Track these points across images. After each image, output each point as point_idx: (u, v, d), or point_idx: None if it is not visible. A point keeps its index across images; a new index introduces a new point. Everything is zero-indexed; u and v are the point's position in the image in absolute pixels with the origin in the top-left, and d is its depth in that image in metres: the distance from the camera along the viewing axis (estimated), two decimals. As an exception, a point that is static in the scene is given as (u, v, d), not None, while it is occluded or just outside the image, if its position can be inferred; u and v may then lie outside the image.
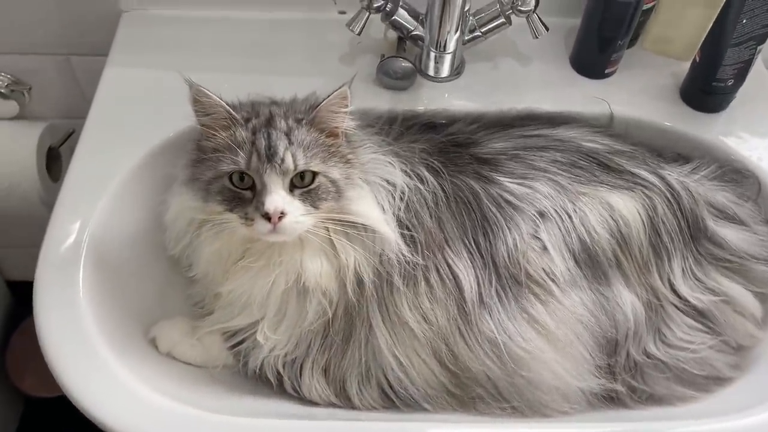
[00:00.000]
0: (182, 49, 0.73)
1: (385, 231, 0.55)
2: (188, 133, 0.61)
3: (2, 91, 0.85)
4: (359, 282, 0.56)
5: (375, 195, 0.57)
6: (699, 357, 0.57)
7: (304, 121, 0.54)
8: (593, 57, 0.71)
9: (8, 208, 0.88)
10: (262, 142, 0.52)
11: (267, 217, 0.51)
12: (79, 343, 0.53)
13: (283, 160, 0.52)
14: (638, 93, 0.71)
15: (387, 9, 0.66)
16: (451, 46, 0.56)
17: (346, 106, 0.54)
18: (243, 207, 0.53)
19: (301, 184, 0.53)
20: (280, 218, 0.51)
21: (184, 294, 0.65)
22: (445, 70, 0.58)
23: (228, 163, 0.53)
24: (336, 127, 0.55)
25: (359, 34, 0.67)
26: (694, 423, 0.53)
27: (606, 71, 0.71)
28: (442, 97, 0.70)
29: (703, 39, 0.68)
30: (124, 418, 0.50)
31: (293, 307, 0.57)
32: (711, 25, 0.67)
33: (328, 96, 0.53)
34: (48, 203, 0.89)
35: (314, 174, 0.53)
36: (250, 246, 0.57)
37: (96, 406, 0.50)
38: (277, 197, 0.52)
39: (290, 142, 0.53)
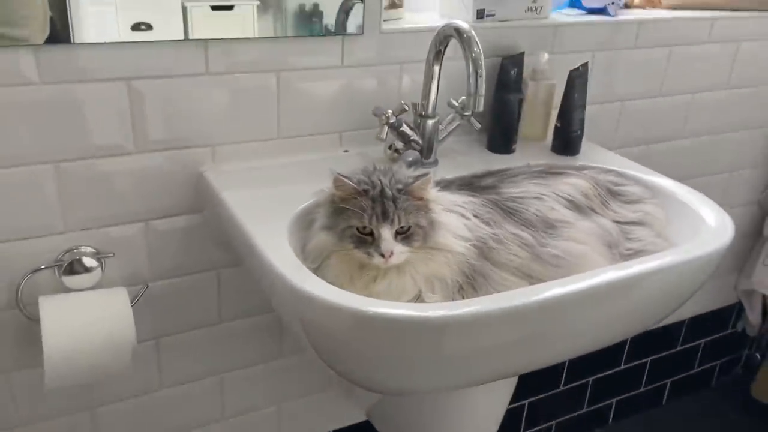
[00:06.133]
0: (258, 181, 1.03)
1: (457, 250, 0.88)
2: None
3: (88, 266, 1.02)
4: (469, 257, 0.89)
5: (461, 213, 0.92)
6: (650, 241, 0.99)
7: (402, 191, 0.87)
8: (502, 141, 1.20)
9: (99, 366, 0.99)
10: (379, 209, 0.85)
11: (382, 255, 0.84)
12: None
13: (392, 220, 0.85)
14: (532, 156, 1.20)
15: (395, 125, 1.08)
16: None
17: (429, 185, 0.89)
18: (365, 247, 0.85)
19: (402, 231, 0.86)
20: (390, 255, 0.85)
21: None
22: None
23: (357, 220, 0.85)
24: (422, 195, 0.88)
25: (385, 139, 1.07)
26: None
27: (512, 148, 1.21)
28: (434, 173, 1.10)
29: (552, 124, 1.23)
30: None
31: (437, 282, 0.87)
32: (552, 113, 1.22)
33: (418, 180, 0.87)
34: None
35: (410, 225, 0.87)
36: (364, 266, 0.87)
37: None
38: (388, 243, 0.84)
39: (396, 207, 0.86)
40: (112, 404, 1.15)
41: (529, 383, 1.69)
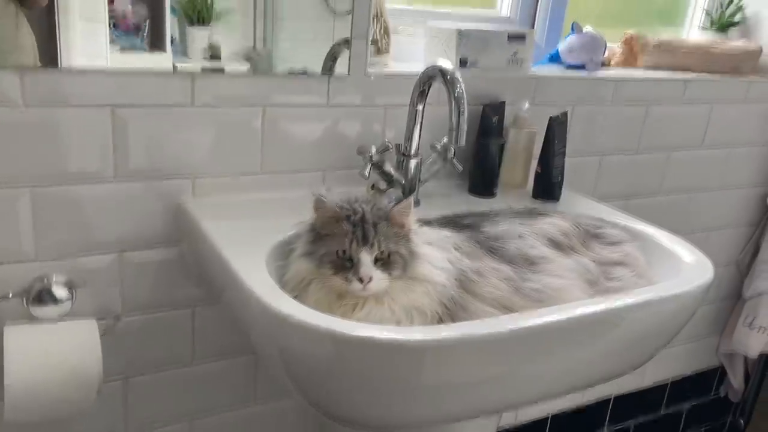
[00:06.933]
0: (239, 214, 1.02)
1: (437, 281, 0.88)
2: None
3: (58, 296, 0.99)
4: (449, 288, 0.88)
5: (442, 246, 0.91)
6: (631, 281, 0.99)
7: (383, 218, 0.87)
8: (483, 185, 1.21)
9: (63, 401, 0.94)
10: (359, 233, 0.85)
11: (360, 280, 0.83)
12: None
13: (372, 245, 0.85)
14: (514, 200, 1.21)
15: (378, 163, 1.08)
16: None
17: (410, 209, 0.89)
18: (344, 272, 0.84)
19: (381, 258, 0.85)
20: (369, 281, 0.84)
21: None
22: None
23: (337, 245, 0.85)
24: (403, 222, 0.88)
25: (368, 177, 1.07)
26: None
27: (493, 192, 1.21)
28: (417, 213, 1.10)
29: (530, 171, 1.24)
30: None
31: (416, 313, 0.86)
32: (533, 162, 1.24)
33: (399, 204, 0.88)
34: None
35: (390, 252, 0.86)
36: (342, 295, 0.85)
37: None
38: (367, 268, 0.84)
39: (376, 233, 0.85)
40: (74, 447, 1.09)
41: (510, 444, 1.64)
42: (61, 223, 0.97)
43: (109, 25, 0.93)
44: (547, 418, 1.70)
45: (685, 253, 1.02)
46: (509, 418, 1.63)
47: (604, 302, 0.86)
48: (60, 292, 0.99)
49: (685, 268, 0.98)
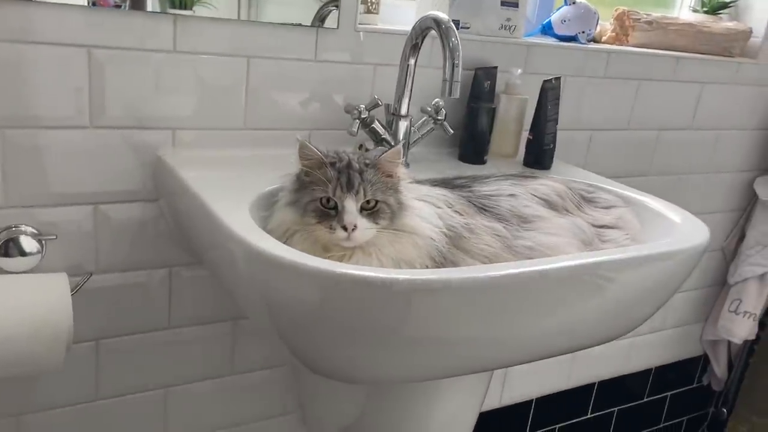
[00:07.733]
0: (220, 167, 0.98)
1: (426, 234, 0.84)
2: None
3: (26, 248, 0.94)
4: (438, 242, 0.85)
5: (433, 202, 0.88)
6: (624, 243, 0.96)
7: (370, 165, 0.84)
8: (474, 151, 1.18)
9: (32, 355, 0.89)
10: (344, 179, 0.81)
11: (344, 228, 0.79)
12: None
13: (357, 191, 0.81)
14: (504, 166, 1.18)
15: (367, 120, 1.05)
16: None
17: (399, 158, 0.85)
18: (328, 221, 0.80)
19: (368, 207, 0.82)
20: (353, 229, 0.80)
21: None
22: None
23: (321, 192, 0.81)
24: (392, 171, 0.85)
25: (356, 134, 1.03)
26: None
27: (484, 159, 1.18)
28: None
29: (521, 141, 1.21)
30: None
31: (405, 265, 0.82)
32: (521, 130, 1.21)
33: (387, 151, 0.84)
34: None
35: (376, 201, 0.83)
36: (328, 247, 0.81)
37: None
38: (352, 215, 0.80)
39: (362, 180, 0.82)
40: (42, 412, 1.04)
41: (493, 428, 1.61)
42: (32, 169, 0.92)
43: (88, 3, 0.89)
44: (531, 401, 1.67)
45: (678, 216, 1.00)
46: (494, 401, 1.60)
47: (597, 255, 0.83)
48: (29, 243, 0.94)
49: (680, 230, 0.96)
